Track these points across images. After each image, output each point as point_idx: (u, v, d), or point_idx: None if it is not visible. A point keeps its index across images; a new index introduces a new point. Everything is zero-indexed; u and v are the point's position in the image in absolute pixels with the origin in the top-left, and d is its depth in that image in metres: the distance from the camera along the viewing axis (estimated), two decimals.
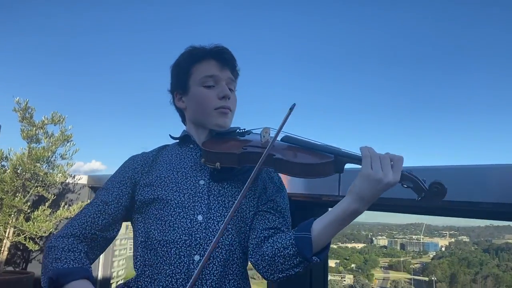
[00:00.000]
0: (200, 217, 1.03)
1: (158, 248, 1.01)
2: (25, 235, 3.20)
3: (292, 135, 1.08)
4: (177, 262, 0.99)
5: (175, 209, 1.03)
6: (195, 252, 0.99)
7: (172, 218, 1.03)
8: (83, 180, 4.10)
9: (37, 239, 3.47)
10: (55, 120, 3.46)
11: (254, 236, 1.05)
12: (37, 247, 3.34)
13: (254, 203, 1.11)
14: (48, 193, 3.38)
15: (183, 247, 1.00)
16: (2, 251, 3.19)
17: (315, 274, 1.71)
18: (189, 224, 1.02)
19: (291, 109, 1.03)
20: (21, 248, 3.36)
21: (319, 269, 1.73)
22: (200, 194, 1.06)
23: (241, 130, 1.18)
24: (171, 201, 1.04)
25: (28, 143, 3.36)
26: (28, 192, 3.28)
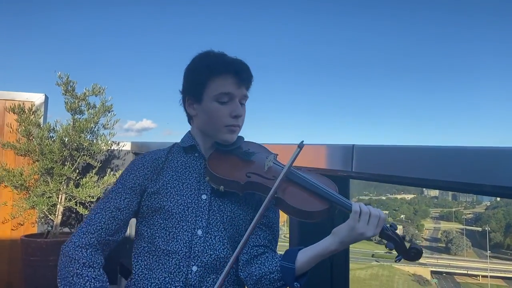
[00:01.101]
0: (199, 232, 1.10)
1: (161, 256, 1.09)
2: (75, 200, 3.46)
3: (294, 171, 1.12)
4: (176, 271, 1.08)
5: (179, 222, 1.11)
6: (193, 263, 1.08)
7: (176, 230, 1.10)
8: (127, 146, 4.31)
9: (87, 203, 3.74)
10: (96, 91, 3.61)
11: (245, 252, 1.14)
12: (87, 212, 3.60)
13: (250, 217, 1.18)
14: (95, 160, 3.59)
15: (183, 258, 1.08)
16: (56, 215, 3.47)
17: (336, 263, 1.76)
18: (190, 237, 1.10)
19: (300, 147, 1.09)
20: (74, 211, 3.62)
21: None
22: (202, 209, 1.13)
23: (245, 149, 1.20)
24: (176, 214, 1.11)
25: (72, 115, 3.55)
26: (76, 161, 3.51)
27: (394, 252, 1.04)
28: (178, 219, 1.11)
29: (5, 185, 3.48)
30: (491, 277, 47.40)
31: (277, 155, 1.24)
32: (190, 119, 1.24)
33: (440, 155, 1.27)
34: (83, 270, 1.03)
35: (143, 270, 1.12)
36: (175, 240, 1.10)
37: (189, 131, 1.26)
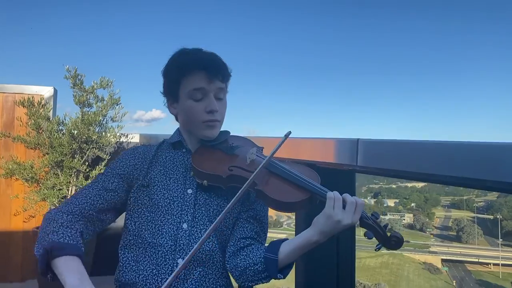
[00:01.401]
0: (185, 225, 1.12)
1: (148, 249, 1.12)
2: None
3: (275, 162, 1.13)
4: (162, 264, 1.10)
5: (165, 215, 1.13)
6: (178, 256, 1.10)
7: (161, 223, 1.12)
8: (136, 138, 4.34)
9: None
10: (104, 84, 3.64)
11: (232, 244, 1.16)
12: None
13: (237, 209, 1.19)
14: (104, 153, 3.63)
15: (169, 251, 1.10)
16: None
17: (342, 250, 1.76)
18: (175, 231, 1.12)
19: (286, 136, 1.13)
20: None
21: (347, 239, 1.78)
22: (187, 203, 1.15)
23: (230, 143, 1.22)
24: (162, 208, 1.14)
25: (80, 108, 3.58)
26: (85, 154, 3.54)
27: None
28: (164, 212, 1.13)
29: (16, 178, 3.53)
30: (503, 265, 47.19)
31: (263, 148, 1.27)
32: (176, 118, 1.27)
33: (445, 150, 1.26)
34: (60, 229, 1.04)
35: (130, 262, 1.14)
36: (160, 233, 1.11)
37: (178, 128, 1.29)
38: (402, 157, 1.40)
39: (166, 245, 1.10)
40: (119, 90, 3.67)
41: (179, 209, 1.14)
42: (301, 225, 1.77)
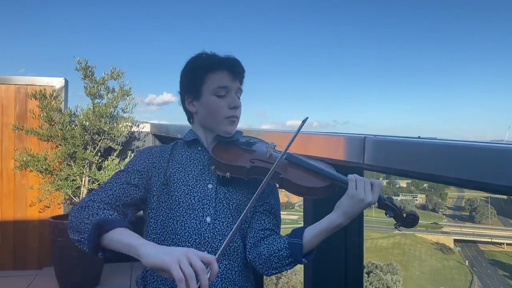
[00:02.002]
0: (208, 219, 1.16)
1: (171, 245, 1.14)
2: (98, 182, 3.56)
3: (294, 155, 1.20)
4: None
5: (187, 211, 1.16)
6: (203, 249, 1.13)
7: (184, 219, 1.15)
8: (147, 128, 4.39)
9: None
10: (114, 75, 3.66)
11: (252, 235, 1.21)
12: None
13: (254, 204, 1.22)
14: (116, 143, 3.68)
15: (193, 245, 1.13)
16: (81, 197, 3.59)
17: (350, 231, 1.79)
18: (198, 225, 1.15)
19: (303, 121, 1.20)
20: None
21: (355, 228, 1.80)
22: (209, 197, 1.19)
23: (246, 140, 1.27)
24: (183, 203, 1.17)
25: (91, 99, 3.62)
26: (97, 145, 3.60)
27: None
28: (186, 208, 1.16)
29: (30, 170, 3.60)
30: None
31: (276, 145, 1.31)
32: (190, 117, 1.31)
33: (453, 151, 1.27)
34: (99, 211, 1.03)
35: None
36: (184, 228, 1.15)
37: (190, 129, 1.32)
38: (407, 157, 1.41)
39: (190, 239, 1.13)
40: (129, 81, 3.70)
41: (201, 203, 1.17)
42: (308, 207, 1.80)
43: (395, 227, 1.13)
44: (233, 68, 1.22)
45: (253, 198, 1.04)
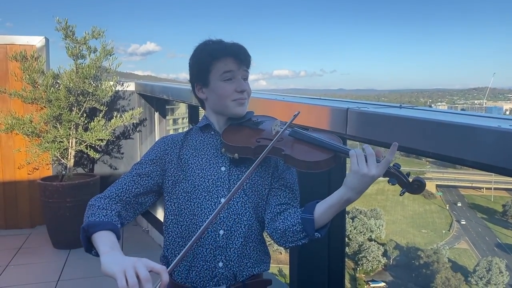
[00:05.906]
0: (222, 200, 1.22)
1: (190, 225, 1.23)
2: (86, 143, 3.58)
3: (298, 129, 1.25)
4: (205, 236, 1.22)
5: (202, 193, 1.23)
6: (219, 228, 1.22)
7: (200, 201, 1.23)
8: (131, 87, 4.35)
9: (97, 146, 3.87)
10: (96, 34, 3.59)
11: (269, 211, 1.27)
12: (97, 155, 3.74)
13: (269, 181, 1.30)
14: (101, 104, 3.66)
15: (210, 225, 1.20)
16: (69, 159, 3.62)
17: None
18: (214, 206, 1.22)
19: (294, 116, 1.26)
20: (86, 152, 3.76)
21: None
22: (222, 179, 1.25)
23: (254, 120, 1.33)
24: (198, 186, 1.24)
25: (74, 60, 3.56)
26: (82, 106, 3.58)
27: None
28: (201, 190, 1.24)
29: (16, 133, 3.59)
30: (495, 189, 48.76)
31: (280, 122, 1.35)
32: (202, 103, 1.37)
33: (425, 126, 1.33)
34: (97, 211, 1.16)
35: (176, 239, 1.26)
36: (200, 209, 1.22)
37: (204, 114, 1.38)
38: (387, 130, 1.47)
39: (207, 220, 1.17)
40: (112, 40, 3.63)
41: (215, 185, 1.24)
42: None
43: (400, 194, 1.13)
44: (238, 55, 1.26)
45: (245, 174, 1.13)
